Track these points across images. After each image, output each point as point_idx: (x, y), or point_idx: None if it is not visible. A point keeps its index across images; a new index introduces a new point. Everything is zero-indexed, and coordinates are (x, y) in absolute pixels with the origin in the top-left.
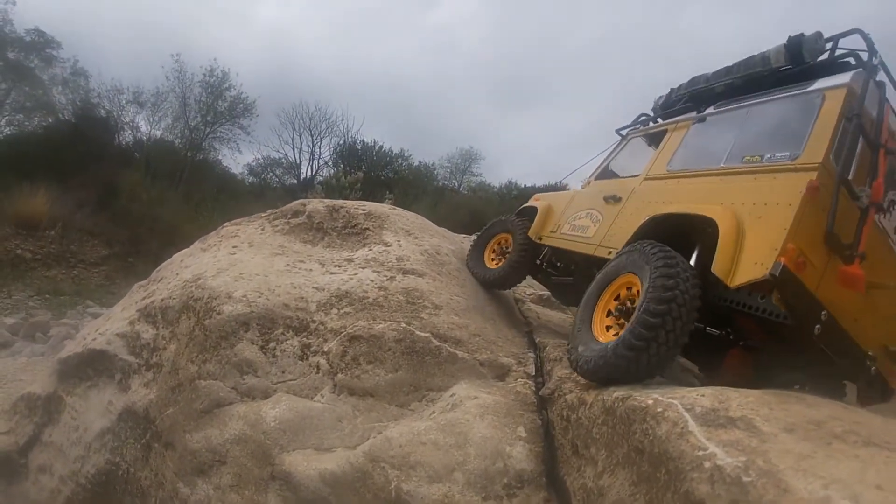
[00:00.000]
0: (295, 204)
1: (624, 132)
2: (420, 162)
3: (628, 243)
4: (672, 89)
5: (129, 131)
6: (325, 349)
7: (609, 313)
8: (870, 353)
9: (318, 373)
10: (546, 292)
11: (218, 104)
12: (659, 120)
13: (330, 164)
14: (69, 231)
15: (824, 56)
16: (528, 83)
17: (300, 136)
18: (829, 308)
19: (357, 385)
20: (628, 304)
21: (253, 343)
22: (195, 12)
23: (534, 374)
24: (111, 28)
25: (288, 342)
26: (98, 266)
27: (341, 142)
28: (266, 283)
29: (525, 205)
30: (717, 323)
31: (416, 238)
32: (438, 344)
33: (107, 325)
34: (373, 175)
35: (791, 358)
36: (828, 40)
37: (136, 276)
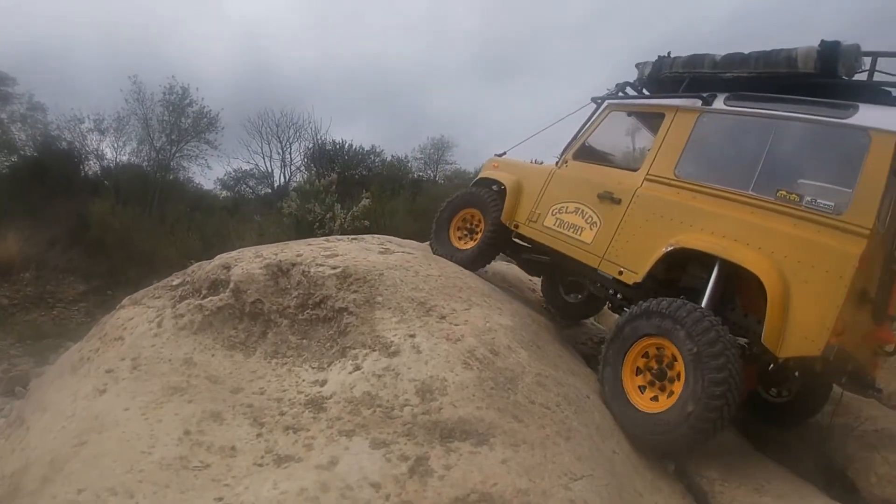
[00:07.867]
0: (213, 267)
1: (600, 100)
2: (392, 156)
3: (648, 274)
4: (661, 58)
5: (95, 160)
6: None
7: (641, 373)
8: (878, 387)
9: None
10: None
11: (181, 121)
12: (645, 92)
13: (302, 168)
14: (44, 271)
15: (860, 73)
16: (513, 57)
17: (269, 145)
18: (852, 352)
19: None
20: (666, 369)
21: None
22: (162, 16)
23: None
24: (74, 50)
25: None
26: (77, 303)
27: (311, 145)
28: None
29: (482, 174)
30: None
31: (442, 317)
32: None
33: None
34: (346, 175)
35: None
36: (866, 54)
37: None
